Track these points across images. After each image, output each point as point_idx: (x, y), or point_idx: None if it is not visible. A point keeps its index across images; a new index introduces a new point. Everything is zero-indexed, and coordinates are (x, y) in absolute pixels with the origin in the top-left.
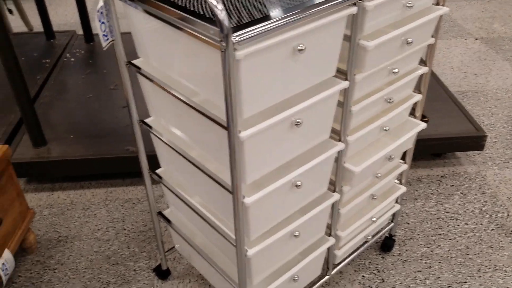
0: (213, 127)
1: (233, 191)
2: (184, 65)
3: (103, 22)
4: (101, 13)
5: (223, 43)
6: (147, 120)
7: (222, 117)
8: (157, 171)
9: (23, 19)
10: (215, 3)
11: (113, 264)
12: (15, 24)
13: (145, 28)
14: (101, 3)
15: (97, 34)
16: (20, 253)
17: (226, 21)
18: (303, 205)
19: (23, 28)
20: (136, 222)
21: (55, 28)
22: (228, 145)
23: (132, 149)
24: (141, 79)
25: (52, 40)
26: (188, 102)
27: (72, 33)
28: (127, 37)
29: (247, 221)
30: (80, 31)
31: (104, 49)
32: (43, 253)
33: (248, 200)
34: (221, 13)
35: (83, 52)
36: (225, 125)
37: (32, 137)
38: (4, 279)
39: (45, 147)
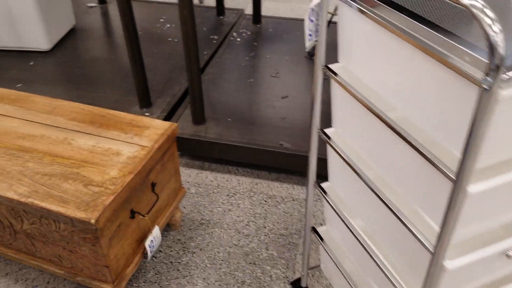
0: (420, 162)
1: (435, 252)
2: (399, 81)
3: (312, 20)
4: (313, 10)
5: (488, 78)
6: (327, 131)
7: (437, 153)
8: (323, 185)
9: None
10: (488, 20)
11: (250, 263)
12: None
13: (361, 33)
14: (317, 1)
15: (265, 16)
16: (164, 227)
17: (501, 48)
18: None
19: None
20: (277, 223)
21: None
22: (449, 197)
23: (286, 145)
24: (334, 86)
25: (221, 17)
26: (396, 128)
27: (241, 12)
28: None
29: (437, 285)
30: (247, 11)
31: (307, 49)
32: (184, 233)
33: (450, 264)
34: (497, 36)
35: (249, 33)
36: (453, 176)
37: (194, 113)
38: (150, 255)
39: (204, 125)
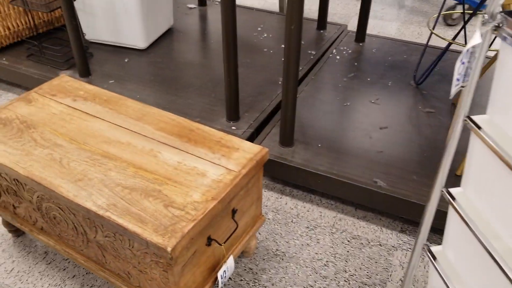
0: None
1: None
2: None
3: (463, 63)
4: (468, 51)
5: None
6: (452, 191)
7: None
8: (434, 250)
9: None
10: None
11: None
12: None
13: None
14: (476, 41)
15: (369, 35)
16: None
17: None
18: None
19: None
20: (360, 269)
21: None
22: None
23: (380, 183)
24: (474, 141)
25: (322, 31)
26: None
27: (343, 27)
28: None
29: None
30: (350, 27)
31: (451, 96)
32: (257, 262)
33: None
34: None
35: (350, 51)
36: None
37: (283, 134)
38: (221, 285)
39: (291, 148)
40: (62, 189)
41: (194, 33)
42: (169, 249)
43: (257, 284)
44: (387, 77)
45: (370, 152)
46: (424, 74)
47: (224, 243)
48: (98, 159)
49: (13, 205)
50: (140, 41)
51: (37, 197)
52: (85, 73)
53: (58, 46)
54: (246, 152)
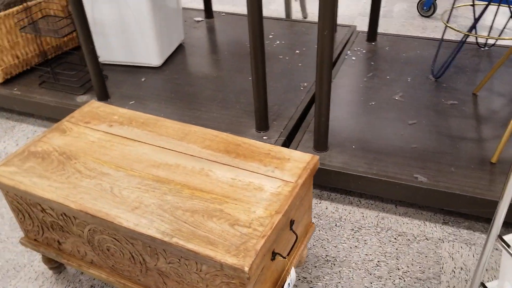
0: None
1: None
2: None
3: None
4: None
5: None
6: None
7: None
8: (506, 237)
9: (301, 5)
10: None
11: None
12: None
13: None
14: None
15: (380, 34)
16: None
17: None
18: None
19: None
20: (412, 265)
21: None
22: None
23: (421, 178)
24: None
25: None
26: None
27: (353, 28)
28: None
29: None
30: (360, 27)
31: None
32: (309, 271)
33: None
34: None
35: (364, 51)
36: None
37: (318, 139)
38: None
39: (326, 152)
40: (121, 220)
41: (205, 46)
42: (246, 268)
43: None
44: (405, 73)
45: (404, 148)
46: (443, 67)
47: (287, 255)
48: (149, 184)
49: (58, 241)
50: (155, 59)
51: (89, 230)
52: (103, 97)
53: (71, 70)
54: (298, 162)
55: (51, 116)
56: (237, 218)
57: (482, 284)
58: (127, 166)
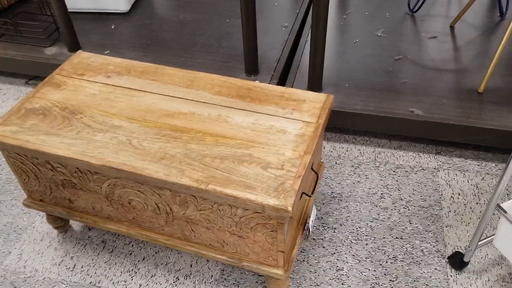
0: None
1: None
2: None
3: None
4: None
5: None
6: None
7: None
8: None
9: None
10: None
11: (396, 237)
12: None
13: None
14: None
15: None
16: None
17: None
18: None
19: None
20: (413, 194)
21: None
22: None
23: (417, 112)
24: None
25: None
26: None
27: None
28: None
29: None
30: None
31: None
32: (319, 207)
33: None
34: None
35: None
36: None
37: (312, 80)
38: (309, 236)
39: (321, 92)
40: (150, 171)
41: None
42: (289, 208)
43: (326, 227)
44: (383, 8)
45: (395, 84)
46: (418, 1)
47: (312, 194)
48: (169, 133)
49: (69, 199)
50: (122, 4)
51: (108, 185)
52: (74, 47)
53: (31, 21)
54: (314, 102)
55: (19, 72)
56: (268, 161)
57: (498, 205)
58: (139, 117)
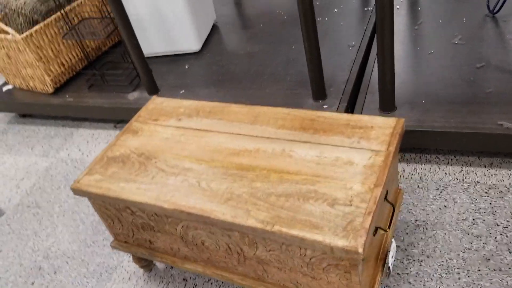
0: None
1: None
2: None
3: None
4: None
5: None
6: None
7: None
8: None
9: None
10: None
11: (494, 269)
12: None
13: None
14: None
15: None
16: None
17: None
18: None
19: None
20: (511, 218)
21: None
22: None
23: (507, 125)
24: None
25: None
26: None
27: None
28: None
29: None
30: None
31: None
32: (401, 238)
33: None
34: None
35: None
36: None
37: (383, 99)
38: (390, 273)
39: (395, 112)
40: (217, 213)
41: (238, 22)
42: (360, 250)
43: (411, 260)
44: (459, 13)
45: (478, 95)
46: (499, 1)
47: (388, 228)
48: (235, 173)
49: (149, 241)
50: (194, 44)
51: (182, 227)
52: (153, 90)
53: (115, 69)
54: (383, 128)
55: (106, 118)
56: (335, 196)
57: None
58: (207, 158)
